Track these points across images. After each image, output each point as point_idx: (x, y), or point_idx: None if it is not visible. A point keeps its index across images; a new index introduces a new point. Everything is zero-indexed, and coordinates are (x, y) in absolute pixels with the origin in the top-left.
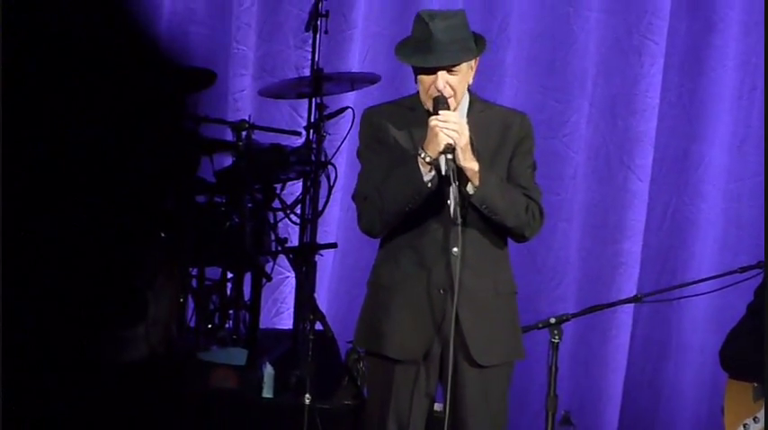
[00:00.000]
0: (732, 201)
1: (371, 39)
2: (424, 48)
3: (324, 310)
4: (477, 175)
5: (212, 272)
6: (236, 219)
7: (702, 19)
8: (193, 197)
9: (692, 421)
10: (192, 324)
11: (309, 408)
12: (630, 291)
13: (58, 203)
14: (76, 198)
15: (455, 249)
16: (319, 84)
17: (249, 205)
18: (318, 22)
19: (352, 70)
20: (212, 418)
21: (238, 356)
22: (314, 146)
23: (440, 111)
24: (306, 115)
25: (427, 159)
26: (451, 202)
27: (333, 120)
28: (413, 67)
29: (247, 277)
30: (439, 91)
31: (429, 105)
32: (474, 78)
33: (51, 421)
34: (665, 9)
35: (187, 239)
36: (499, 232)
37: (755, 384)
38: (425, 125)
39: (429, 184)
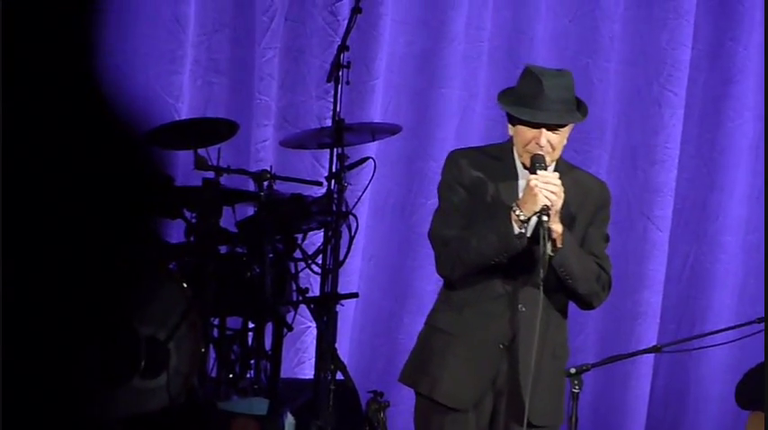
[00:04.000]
0: (751, 251)
1: (393, 89)
2: (532, 102)
3: (345, 360)
4: (561, 238)
5: (233, 321)
6: (258, 269)
7: (721, 70)
8: (216, 247)
9: None
10: (214, 373)
11: None
12: (650, 341)
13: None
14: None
15: (521, 306)
16: (341, 134)
17: (270, 255)
18: (340, 73)
19: (375, 120)
20: None
21: (259, 406)
22: (335, 196)
23: (538, 171)
24: (327, 165)
25: (521, 217)
26: (543, 262)
27: (354, 171)
28: (511, 116)
29: (268, 327)
30: (541, 147)
31: (525, 159)
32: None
33: None
34: (685, 60)
35: (208, 289)
36: (566, 297)
37: None
38: (511, 177)
39: (518, 242)
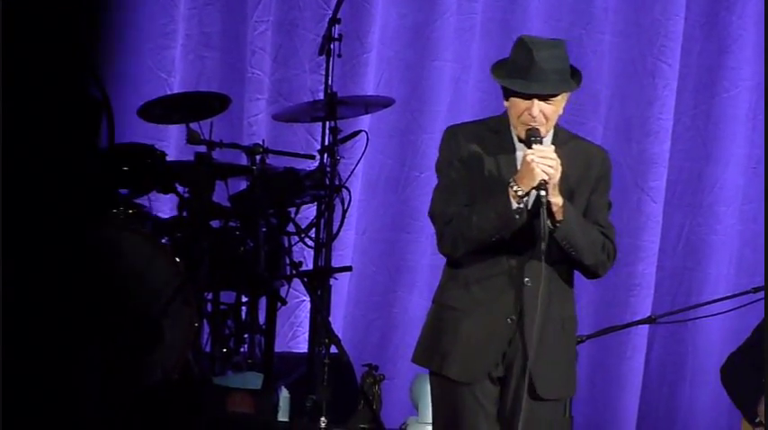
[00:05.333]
0: (747, 222)
1: (386, 62)
2: (524, 73)
3: (339, 334)
4: (561, 210)
5: (227, 296)
6: (251, 244)
7: (716, 40)
8: (208, 221)
9: None
10: (208, 348)
11: None
12: (645, 313)
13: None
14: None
15: (527, 280)
16: (333, 107)
17: (263, 229)
18: (332, 46)
19: (368, 94)
20: None
21: (254, 380)
22: (328, 169)
23: (534, 146)
24: (320, 139)
25: (519, 193)
26: (543, 236)
27: (347, 144)
28: (505, 89)
29: (262, 301)
30: (533, 117)
31: (520, 131)
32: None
33: None
34: (678, 31)
35: (202, 264)
36: (571, 268)
37: None
38: (509, 150)
39: (517, 217)
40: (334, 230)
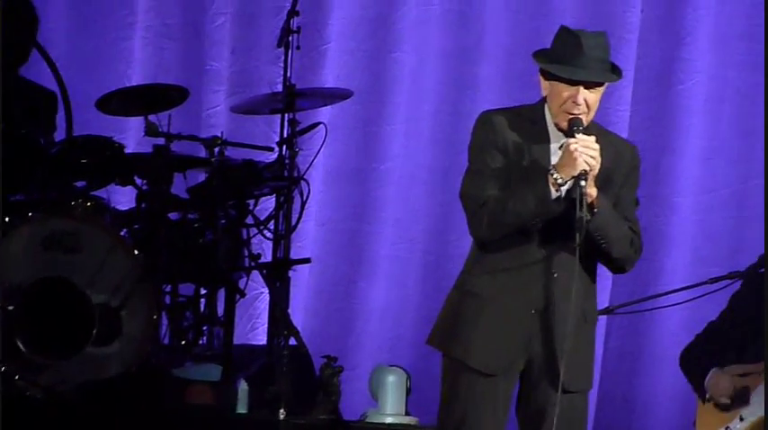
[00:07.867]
0: (703, 212)
1: (346, 54)
2: (572, 61)
3: (299, 326)
4: (596, 201)
5: (186, 288)
6: (210, 236)
7: (672, 33)
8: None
9: None
10: (167, 340)
11: (284, 424)
12: (603, 303)
13: None
14: None
15: (555, 272)
16: (292, 99)
17: (222, 221)
18: (291, 38)
19: (327, 86)
20: None
21: (213, 372)
22: (287, 161)
23: (576, 135)
24: (279, 131)
25: (559, 181)
26: (580, 227)
27: (306, 136)
28: (547, 75)
29: (221, 293)
30: (578, 105)
31: (560, 119)
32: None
33: None
34: (636, 23)
35: (160, 256)
36: (599, 261)
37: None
38: (543, 140)
39: (556, 206)
40: (293, 222)
